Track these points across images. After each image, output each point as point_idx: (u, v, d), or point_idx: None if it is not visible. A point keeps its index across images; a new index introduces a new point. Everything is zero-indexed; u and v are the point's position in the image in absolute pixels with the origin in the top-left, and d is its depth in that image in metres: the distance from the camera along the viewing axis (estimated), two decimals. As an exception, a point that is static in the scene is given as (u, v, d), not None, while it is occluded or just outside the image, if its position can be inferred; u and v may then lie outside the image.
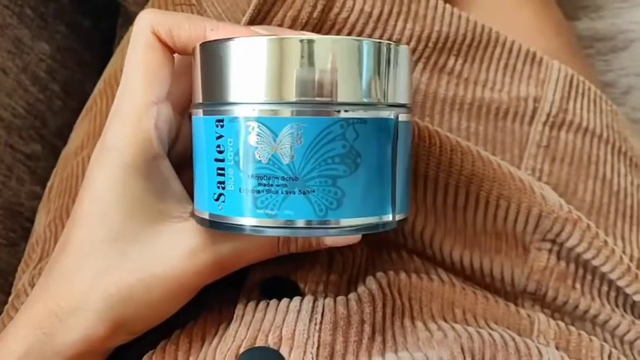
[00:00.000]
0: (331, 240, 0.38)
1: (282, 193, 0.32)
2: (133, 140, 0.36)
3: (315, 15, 0.46)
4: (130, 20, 0.64)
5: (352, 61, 0.32)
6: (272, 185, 0.32)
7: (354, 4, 0.47)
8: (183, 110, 0.39)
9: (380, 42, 0.32)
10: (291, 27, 0.45)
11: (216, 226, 0.34)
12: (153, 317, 0.38)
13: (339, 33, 0.47)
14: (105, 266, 0.36)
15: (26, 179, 0.68)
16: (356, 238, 0.38)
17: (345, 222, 0.32)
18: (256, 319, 0.37)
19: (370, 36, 0.48)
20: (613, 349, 0.41)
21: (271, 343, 0.35)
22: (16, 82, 0.68)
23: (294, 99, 0.31)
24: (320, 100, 0.31)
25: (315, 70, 0.31)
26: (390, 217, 0.34)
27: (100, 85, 0.61)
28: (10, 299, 0.52)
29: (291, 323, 0.36)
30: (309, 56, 0.31)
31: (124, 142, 0.36)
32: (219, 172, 0.33)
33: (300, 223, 0.32)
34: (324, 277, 0.40)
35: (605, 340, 0.44)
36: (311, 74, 0.31)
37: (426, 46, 0.49)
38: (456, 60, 0.50)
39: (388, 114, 0.33)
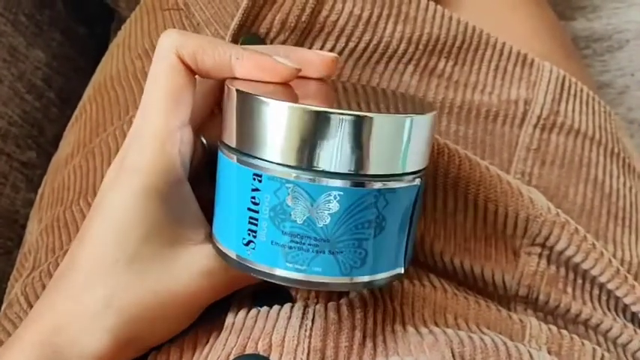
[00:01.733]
0: None
1: (312, 251, 0.33)
2: (157, 165, 0.36)
3: (303, 18, 0.46)
4: (122, 26, 0.63)
5: (389, 136, 0.33)
6: (304, 244, 0.33)
7: (343, 7, 0.47)
8: (197, 129, 0.39)
9: (414, 116, 0.33)
10: (279, 31, 0.45)
11: (243, 269, 0.35)
12: (164, 334, 0.38)
13: (328, 36, 0.47)
14: (122, 285, 0.35)
15: (22, 187, 0.68)
16: None
17: (365, 279, 0.35)
18: (246, 326, 0.37)
19: (359, 39, 0.48)
20: (605, 353, 0.41)
21: (261, 350, 0.35)
22: (12, 90, 0.68)
23: (333, 169, 0.32)
24: (356, 172, 0.33)
25: (354, 144, 0.32)
26: (401, 270, 0.36)
27: (89, 91, 0.61)
28: (2, 309, 0.51)
29: (281, 330, 0.36)
30: (350, 130, 0.32)
31: (147, 166, 0.36)
32: (251, 221, 0.34)
33: (326, 279, 0.34)
34: None
35: (598, 344, 0.44)
36: (349, 147, 0.32)
37: (417, 48, 0.49)
38: (447, 62, 0.50)
39: (415, 182, 0.35)
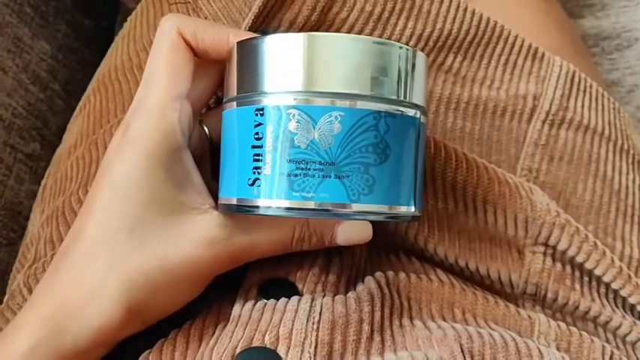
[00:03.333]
0: (343, 238, 0.39)
1: (318, 177, 0.34)
2: (158, 131, 0.37)
3: (313, 18, 0.45)
4: (128, 18, 0.63)
5: (386, 61, 0.35)
6: (309, 169, 0.34)
7: (354, 3, 0.47)
8: (196, 114, 0.40)
9: (408, 48, 0.36)
10: (287, 29, 0.45)
11: (243, 210, 0.36)
12: (168, 304, 0.38)
13: (336, 32, 0.47)
14: (123, 253, 0.36)
15: (26, 179, 0.68)
16: (368, 234, 0.39)
17: (373, 208, 0.34)
18: (253, 319, 0.37)
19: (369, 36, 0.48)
20: (615, 350, 0.41)
21: (268, 342, 0.35)
22: (17, 81, 0.68)
23: (332, 90, 0.34)
24: (356, 93, 0.34)
25: (355, 66, 0.34)
26: (412, 209, 0.36)
27: (93, 83, 0.61)
28: (4, 300, 0.51)
29: (288, 323, 0.36)
30: (350, 53, 0.34)
31: (148, 133, 0.37)
32: (255, 157, 0.35)
33: (334, 206, 0.34)
34: (322, 277, 0.40)
35: (607, 341, 0.44)
36: (349, 69, 0.34)
37: (426, 44, 0.49)
38: (455, 57, 0.50)
39: (414, 112, 0.35)
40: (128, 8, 0.75)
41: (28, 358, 0.35)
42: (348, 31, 0.47)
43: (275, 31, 0.46)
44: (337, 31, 0.47)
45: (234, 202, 0.36)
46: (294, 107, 0.34)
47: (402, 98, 0.35)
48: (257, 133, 0.35)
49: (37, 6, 0.72)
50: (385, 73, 0.34)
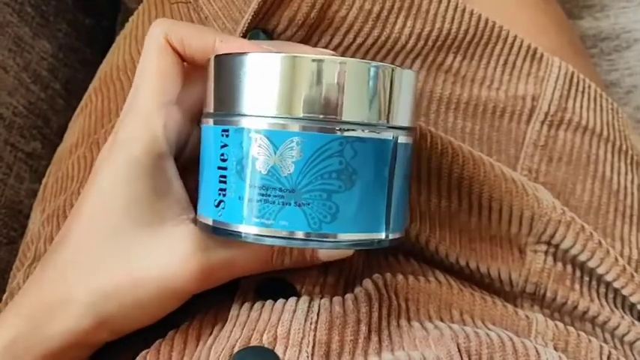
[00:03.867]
0: (325, 254, 0.39)
1: (278, 203, 0.33)
2: (141, 136, 0.37)
3: (312, 15, 0.45)
4: (130, 18, 0.63)
5: (358, 82, 0.33)
6: (270, 195, 0.33)
7: (354, 1, 0.47)
8: (193, 118, 0.40)
9: (386, 66, 0.34)
10: (286, 27, 0.45)
11: (217, 232, 0.35)
12: (138, 318, 0.38)
13: (336, 31, 0.47)
14: (98, 262, 0.36)
15: (26, 177, 0.68)
16: (348, 252, 0.39)
17: (340, 236, 0.34)
18: (251, 319, 0.37)
19: (368, 35, 0.47)
20: (612, 350, 0.41)
21: (266, 342, 0.35)
22: (17, 80, 0.68)
23: (298, 114, 0.32)
24: (323, 118, 0.32)
25: (321, 89, 0.33)
26: (382, 235, 0.35)
27: (95, 82, 0.61)
28: (4, 298, 0.52)
29: (286, 322, 0.36)
30: (317, 75, 0.33)
31: (133, 138, 0.37)
32: (221, 179, 0.34)
33: (296, 234, 0.33)
34: (320, 278, 0.40)
35: (605, 341, 0.44)
36: (316, 92, 0.33)
37: (425, 44, 0.49)
38: (455, 57, 0.50)
39: (388, 135, 0.34)
40: (129, 8, 0.76)
41: (7, 352, 0.36)
42: (348, 30, 0.47)
43: (273, 31, 0.46)
44: (336, 30, 0.47)
45: (209, 222, 0.35)
46: (257, 131, 0.33)
47: (374, 122, 0.33)
48: (222, 154, 0.34)
49: (38, 5, 0.72)
50: (357, 95, 0.33)
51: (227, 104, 0.34)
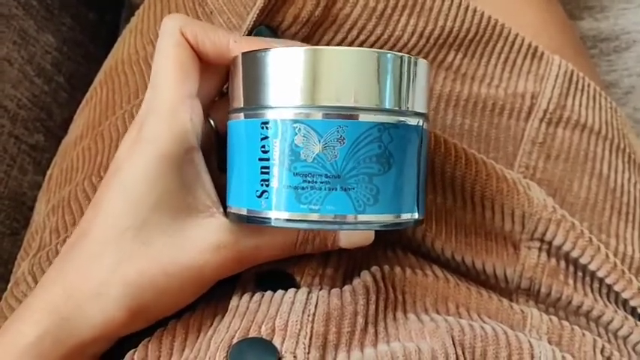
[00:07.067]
0: (346, 241, 0.39)
1: (325, 189, 0.34)
2: (170, 132, 0.37)
3: (316, 13, 0.46)
4: (134, 13, 0.64)
5: (393, 72, 0.35)
6: (316, 182, 0.34)
7: None
8: (203, 110, 0.40)
9: (411, 57, 0.36)
10: (291, 24, 0.45)
11: (253, 221, 0.36)
12: (170, 306, 0.38)
13: (339, 28, 0.47)
14: (128, 254, 0.36)
15: (29, 169, 0.69)
16: (371, 236, 0.40)
17: (380, 217, 0.35)
18: (250, 310, 0.37)
19: (371, 32, 0.48)
20: (606, 344, 0.41)
21: (264, 333, 0.36)
22: (22, 73, 0.69)
23: (337, 103, 0.34)
24: (360, 106, 0.34)
25: (362, 79, 0.35)
26: (416, 215, 0.37)
27: (100, 75, 0.62)
28: (9, 287, 0.52)
29: (284, 314, 0.36)
30: (353, 66, 0.34)
31: (161, 134, 0.37)
32: (262, 170, 0.35)
33: (341, 217, 0.34)
34: (320, 270, 0.41)
35: (599, 335, 0.44)
36: (352, 82, 0.34)
37: (427, 42, 0.49)
38: (456, 55, 0.50)
39: (416, 121, 0.36)
40: (132, 3, 0.76)
41: (34, 348, 0.36)
42: (351, 27, 0.47)
43: (277, 28, 0.46)
44: (340, 28, 0.47)
45: (244, 212, 0.36)
46: (300, 121, 0.34)
47: (404, 108, 0.35)
48: (264, 146, 0.35)
49: (43, -1, 0.73)
50: (388, 84, 0.35)
51: (262, 98, 0.35)
